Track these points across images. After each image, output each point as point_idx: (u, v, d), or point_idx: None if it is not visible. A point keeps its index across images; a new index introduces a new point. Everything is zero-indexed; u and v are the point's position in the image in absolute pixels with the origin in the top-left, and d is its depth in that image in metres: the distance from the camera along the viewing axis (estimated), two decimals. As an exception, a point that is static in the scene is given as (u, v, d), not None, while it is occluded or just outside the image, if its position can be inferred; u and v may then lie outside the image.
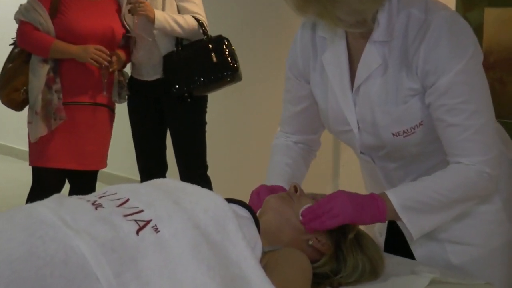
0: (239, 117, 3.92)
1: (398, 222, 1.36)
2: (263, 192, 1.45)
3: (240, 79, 2.95)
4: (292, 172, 1.58)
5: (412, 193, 1.34)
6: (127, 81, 2.99)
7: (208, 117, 3.08)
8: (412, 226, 1.33)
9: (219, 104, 3.53)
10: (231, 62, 2.88)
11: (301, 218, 1.33)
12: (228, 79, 2.90)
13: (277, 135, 1.67)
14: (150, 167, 3.12)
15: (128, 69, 3.05)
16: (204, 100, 3.03)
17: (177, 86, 2.87)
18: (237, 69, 2.90)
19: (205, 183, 3.02)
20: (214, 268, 1.01)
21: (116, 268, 0.94)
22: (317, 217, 1.31)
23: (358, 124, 1.43)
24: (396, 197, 1.33)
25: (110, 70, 2.80)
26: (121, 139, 3.42)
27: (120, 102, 2.96)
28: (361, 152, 1.50)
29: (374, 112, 1.39)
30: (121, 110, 3.04)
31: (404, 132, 1.37)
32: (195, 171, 3.03)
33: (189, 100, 2.92)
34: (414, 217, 1.33)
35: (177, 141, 3.05)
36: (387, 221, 1.47)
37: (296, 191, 1.39)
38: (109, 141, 2.95)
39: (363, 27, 1.33)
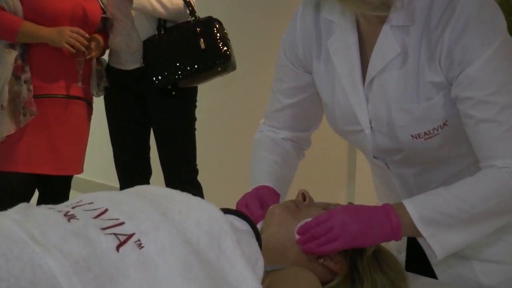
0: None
1: (419, 239, 1.34)
2: (252, 202, 1.44)
3: (233, 68, 2.93)
4: (281, 172, 1.57)
5: (435, 202, 1.31)
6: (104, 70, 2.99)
7: (197, 114, 3.07)
8: (435, 243, 1.30)
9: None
10: (222, 49, 2.85)
11: (296, 236, 1.32)
12: (219, 69, 2.87)
13: (261, 128, 1.66)
14: (131, 172, 3.11)
15: (106, 57, 3.05)
16: (193, 92, 3.01)
17: (158, 77, 2.85)
18: (229, 56, 2.86)
19: (195, 190, 3.01)
20: (208, 291, 1.00)
21: (92, 291, 0.93)
22: (314, 238, 1.29)
23: (370, 123, 1.43)
24: (415, 208, 1.30)
25: (88, 57, 2.79)
26: (97, 139, 3.41)
27: (98, 95, 2.95)
28: (373, 157, 1.49)
29: (390, 110, 1.38)
30: (97, 104, 3.04)
31: (425, 134, 1.37)
32: (183, 176, 3.02)
33: (173, 93, 2.90)
34: (438, 233, 1.30)
35: (161, 141, 3.03)
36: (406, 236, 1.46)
37: (304, 199, 1.39)
38: (86, 141, 2.94)
39: (387, 10, 1.31)
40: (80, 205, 1.12)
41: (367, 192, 1.67)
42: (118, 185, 3.14)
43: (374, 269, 1.31)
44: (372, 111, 1.41)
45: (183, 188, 1.22)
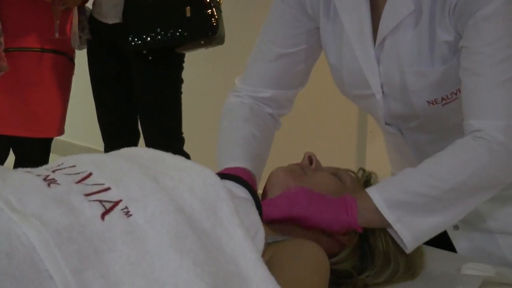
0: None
1: (389, 230, 1.31)
2: None
3: (220, 42, 2.92)
4: (259, 149, 1.49)
5: (400, 182, 1.30)
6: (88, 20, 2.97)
7: (185, 79, 3.07)
8: (403, 229, 1.27)
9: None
10: (210, 20, 2.84)
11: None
12: (203, 42, 2.87)
13: (237, 88, 1.58)
14: (117, 134, 3.11)
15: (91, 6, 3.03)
16: (179, 55, 3.00)
17: (135, 39, 2.84)
18: (216, 29, 2.84)
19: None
20: (203, 264, 1.00)
21: (75, 264, 0.94)
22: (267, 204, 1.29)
23: (382, 88, 1.44)
24: (378, 191, 1.28)
25: (63, 7, 2.76)
26: (80, 97, 3.40)
27: (80, 48, 2.94)
28: (386, 123, 1.50)
29: (404, 74, 1.39)
30: (80, 59, 3.03)
31: (442, 99, 1.38)
32: (167, 145, 3.02)
33: (150, 58, 2.90)
34: (405, 216, 1.27)
35: (141, 107, 3.04)
36: None
37: (311, 163, 1.39)
38: (67, 99, 2.93)
39: None
40: (61, 169, 1.11)
41: (379, 157, 1.68)
42: (100, 148, 3.15)
43: (386, 241, 1.32)
44: (384, 74, 1.42)
45: None
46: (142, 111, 3.06)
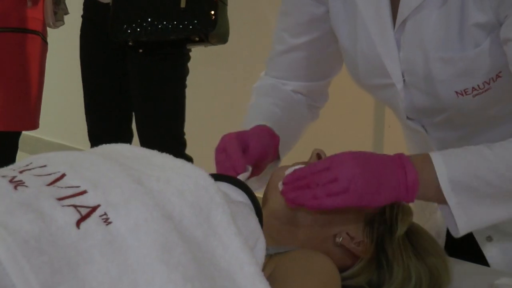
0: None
1: (440, 206, 1.34)
2: (232, 146, 1.40)
3: (222, 40, 2.92)
4: (282, 114, 1.56)
5: (472, 162, 1.31)
6: None
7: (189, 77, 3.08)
8: (462, 215, 1.30)
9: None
10: (208, 13, 2.81)
11: (281, 187, 1.31)
12: (197, 38, 2.86)
13: (261, 78, 1.68)
14: (106, 132, 3.12)
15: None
16: (182, 52, 3.01)
17: (123, 27, 2.84)
18: (214, 24, 2.83)
19: None
20: (193, 279, 1.00)
21: (46, 278, 0.93)
22: (306, 187, 1.28)
23: (403, 76, 1.44)
24: (446, 165, 1.30)
25: None
26: (54, 86, 3.40)
27: (55, 26, 2.92)
28: (407, 118, 1.51)
29: (429, 60, 1.39)
30: (54, 40, 3.01)
31: (473, 89, 1.38)
32: (167, 147, 3.02)
33: (140, 51, 2.91)
34: (467, 202, 1.30)
35: (138, 101, 3.05)
36: None
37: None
38: (41, 88, 2.93)
39: None
40: (30, 169, 1.11)
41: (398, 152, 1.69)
42: (80, 147, 3.15)
43: (407, 252, 1.32)
44: (405, 61, 1.42)
45: None
46: (137, 112, 3.07)
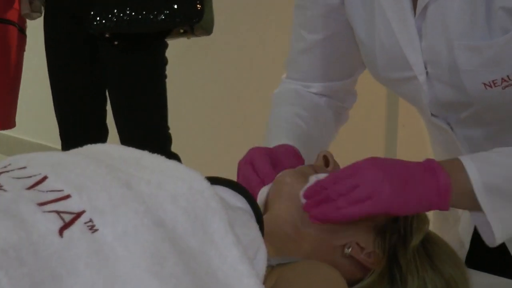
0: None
1: (472, 214, 1.35)
2: (261, 160, 1.43)
3: (207, 32, 2.93)
4: (307, 128, 1.58)
5: (507, 166, 1.33)
6: None
7: (175, 69, 3.10)
8: (497, 221, 1.32)
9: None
10: (196, 2, 2.83)
11: (302, 200, 1.33)
12: (182, 31, 2.88)
13: (282, 82, 1.70)
14: (79, 129, 3.12)
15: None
16: (159, 43, 3.02)
17: (97, 18, 2.83)
18: (201, 14, 2.84)
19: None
20: (188, 292, 1.01)
21: (26, 292, 0.94)
22: (328, 200, 1.30)
23: (425, 67, 1.45)
24: (478, 169, 1.31)
25: None
26: (31, 82, 3.40)
27: (33, 18, 2.93)
28: (432, 114, 1.51)
29: (453, 49, 1.40)
30: (34, 33, 3.01)
31: (503, 80, 1.38)
32: (149, 143, 3.02)
33: (115, 43, 2.91)
34: (503, 208, 1.31)
35: (115, 94, 3.06)
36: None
37: (327, 164, 1.39)
38: (17, 83, 2.93)
39: None
40: (8, 171, 1.11)
41: (412, 154, 1.69)
42: (60, 147, 3.15)
43: (422, 264, 1.32)
44: (427, 51, 1.43)
45: None
46: (114, 102, 3.08)
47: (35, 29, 3.03)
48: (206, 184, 1.14)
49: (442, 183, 1.30)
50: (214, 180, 1.21)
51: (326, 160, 1.41)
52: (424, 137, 1.76)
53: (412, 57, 1.45)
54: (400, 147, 3.48)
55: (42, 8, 2.97)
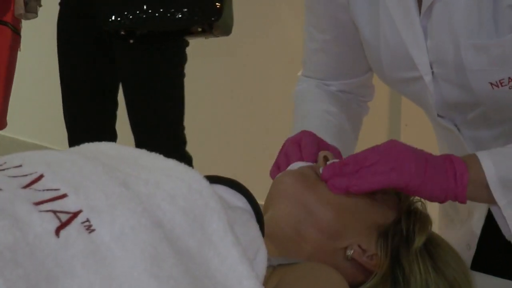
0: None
1: (494, 211, 1.38)
2: (308, 141, 1.44)
3: (226, 32, 2.91)
4: (339, 124, 1.60)
5: None
6: None
7: (191, 67, 3.08)
8: None
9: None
10: (215, 0, 2.81)
11: (320, 171, 1.35)
12: (200, 29, 2.86)
13: (300, 81, 1.72)
14: (88, 133, 3.11)
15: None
16: (178, 42, 3.00)
17: (112, 16, 2.82)
18: (220, 13, 2.83)
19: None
20: (186, 294, 1.01)
21: (21, 293, 0.94)
22: (350, 173, 1.31)
23: (431, 67, 1.45)
24: (494, 162, 1.33)
25: None
26: (27, 82, 3.40)
27: (27, 18, 2.93)
28: (438, 115, 1.51)
29: (459, 48, 1.40)
30: (28, 33, 3.01)
31: (510, 80, 1.38)
32: (162, 143, 3.03)
33: (131, 41, 2.89)
34: None
35: (130, 94, 3.05)
36: (481, 222, 1.49)
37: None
38: (10, 83, 2.93)
39: None
40: (3, 169, 1.11)
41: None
42: (56, 147, 3.15)
43: (425, 266, 1.32)
44: (433, 50, 1.43)
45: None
46: (129, 100, 3.06)
47: (31, 29, 3.03)
48: (205, 183, 1.14)
49: (459, 169, 1.32)
50: (213, 179, 1.21)
51: (327, 160, 1.41)
52: (428, 137, 1.76)
53: (417, 56, 1.45)
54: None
55: (38, 8, 2.96)
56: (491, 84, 1.40)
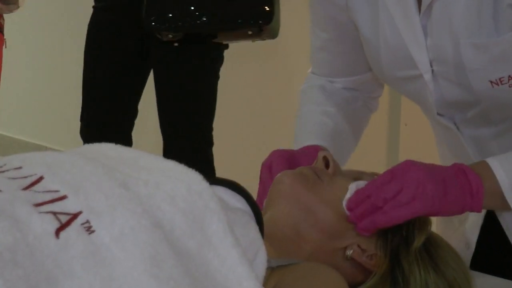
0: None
1: (500, 214, 1.40)
2: (278, 163, 1.45)
3: (273, 35, 2.88)
4: (334, 124, 1.60)
5: None
6: None
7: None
8: None
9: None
10: (263, 4, 2.77)
11: (346, 212, 1.34)
12: (250, 32, 2.82)
13: (308, 78, 1.72)
14: (103, 136, 3.10)
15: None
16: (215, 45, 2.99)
17: (158, 18, 2.80)
18: (271, 17, 2.79)
19: (205, 163, 3.02)
20: (186, 295, 1.01)
21: (21, 294, 0.94)
22: (375, 208, 1.31)
23: (431, 66, 1.45)
24: (505, 170, 1.33)
25: None
26: (23, 80, 3.39)
27: (8, 11, 2.91)
28: (437, 114, 1.51)
29: (459, 47, 1.40)
30: (28, 35, 3.01)
31: (510, 78, 1.39)
32: (191, 144, 3.02)
33: (175, 44, 2.88)
34: None
35: (163, 97, 3.05)
36: (480, 222, 1.50)
37: (327, 166, 1.39)
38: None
39: None
40: (3, 171, 1.11)
41: (415, 155, 1.70)
42: (56, 147, 3.14)
43: (424, 266, 1.33)
44: (432, 49, 1.43)
45: (187, 160, 1.20)
46: (164, 106, 3.07)
47: (34, 29, 3.02)
48: (205, 184, 1.14)
49: (475, 184, 1.32)
50: (213, 181, 1.21)
51: (326, 161, 1.41)
52: (427, 136, 1.76)
53: (417, 55, 1.45)
54: (403, 146, 3.48)
55: (45, 6, 2.95)
56: (491, 82, 1.40)
